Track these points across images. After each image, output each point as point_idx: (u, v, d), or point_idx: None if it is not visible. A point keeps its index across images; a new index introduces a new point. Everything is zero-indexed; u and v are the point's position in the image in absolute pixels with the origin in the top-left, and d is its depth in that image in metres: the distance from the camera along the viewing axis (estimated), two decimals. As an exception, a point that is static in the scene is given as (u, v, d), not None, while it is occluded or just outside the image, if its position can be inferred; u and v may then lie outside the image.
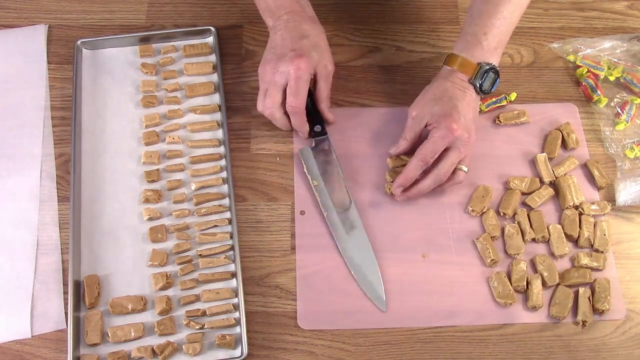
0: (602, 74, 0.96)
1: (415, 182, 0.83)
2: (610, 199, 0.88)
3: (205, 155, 0.89)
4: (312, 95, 0.91)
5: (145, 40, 0.96)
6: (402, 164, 0.87)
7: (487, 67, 0.83)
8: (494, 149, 0.91)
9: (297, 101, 0.83)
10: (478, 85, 0.83)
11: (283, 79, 0.82)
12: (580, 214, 0.86)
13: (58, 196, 0.86)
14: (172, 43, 0.97)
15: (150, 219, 0.85)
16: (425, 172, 0.83)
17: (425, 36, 1.00)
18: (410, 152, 0.84)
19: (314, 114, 0.90)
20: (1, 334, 0.79)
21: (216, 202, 0.86)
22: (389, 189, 0.86)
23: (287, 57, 0.82)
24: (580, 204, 0.86)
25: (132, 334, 0.78)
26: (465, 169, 0.83)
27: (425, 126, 0.83)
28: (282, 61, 0.82)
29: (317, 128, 0.89)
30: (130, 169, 0.88)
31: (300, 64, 0.81)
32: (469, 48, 0.83)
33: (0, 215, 0.85)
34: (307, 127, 0.88)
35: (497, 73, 0.84)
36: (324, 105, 0.88)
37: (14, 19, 0.99)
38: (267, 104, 0.85)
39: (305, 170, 0.87)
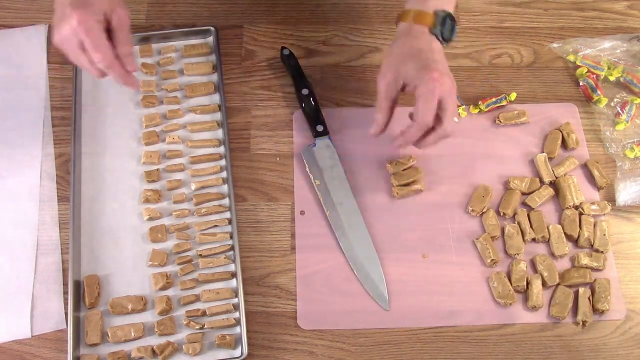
0: (602, 74, 0.96)
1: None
2: (610, 199, 0.88)
3: (205, 155, 0.89)
4: (313, 95, 0.91)
5: (145, 40, 0.96)
6: (402, 169, 0.87)
7: (444, 14, 0.80)
8: (494, 149, 0.91)
9: (100, 54, 0.73)
10: (439, 33, 0.80)
11: (75, 39, 0.73)
12: (580, 214, 0.86)
13: (58, 196, 0.87)
14: (172, 43, 0.97)
15: (150, 219, 0.85)
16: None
17: (425, 36, 0.99)
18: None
19: (315, 113, 0.90)
20: (1, 334, 0.79)
21: (216, 202, 0.86)
22: (397, 193, 0.86)
23: (66, 14, 0.72)
24: (580, 204, 0.86)
25: (132, 334, 0.78)
26: (456, 119, 0.79)
27: (403, 89, 0.80)
28: (64, 20, 0.72)
29: (319, 128, 0.89)
30: (130, 169, 0.88)
31: (82, 14, 0.72)
32: (421, 0, 0.81)
33: (0, 215, 0.85)
34: (133, 79, 0.78)
35: (454, 20, 0.81)
36: (122, 50, 0.76)
37: (14, 19, 0.99)
38: (81, 67, 0.76)
39: (307, 169, 0.87)
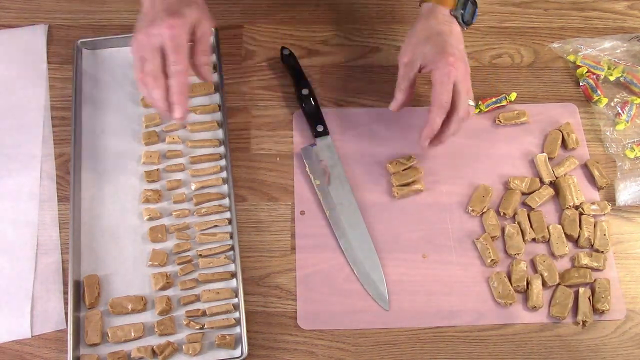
0: (602, 74, 0.96)
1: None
2: (610, 199, 0.88)
3: (205, 155, 0.89)
4: (313, 95, 0.91)
5: (145, 40, 0.96)
6: (402, 169, 0.87)
7: None
8: (494, 149, 0.91)
9: (179, 57, 0.74)
10: (460, 16, 0.82)
11: (158, 41, 0.74)
12: (581, 214, 0.86)
13: (58, 196, 0.86)
14: (172, 43, 0.97)
15: (150, 219, 0.85)
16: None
17: (425, 36, 0.99)
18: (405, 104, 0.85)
19: (315, 113, 0.90)
20: (1, 334, 0.79)
21: (216, 202, 0.86)
22: (397, 192, 0.86)
23: (158, 19, 0.74)
24: (580, 204, 0.86)
25: (132, 334, 0.78)
26: (472, 102, 0.82)
27: (420, 71, 0.82)
28: (154, 25, 0.74)
29: (319, 128, 0.89)
30: (130, 169, 0.88)
31: (174, 22, 0.74)
32: None
33: (0, 215, 0.85)
34: (185, 99, 0.76)
35: (475, 4, 0.84)
36: (200, 60, 0.79)
37: (14, 19, 0.99)
38: (147, 69, 0.75)
39: (307, 169, 0.87)
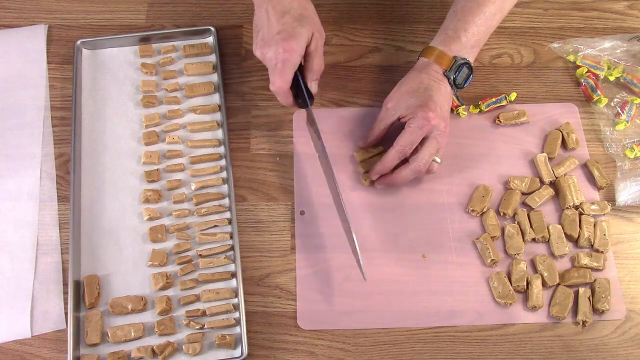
0: (602, 74, 0.96)
1: (395, 168, 0.84)
2: (610, 199, 0.88)
3: (205, 155, 0.89)
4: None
5: (145, 40, 0.96)
6: (369, 156, 0.88)
7: (462, 62, 0.84)
8: (494, 149, 0.91)
9: (280, 82, 0.79)
10: (452, 78, 0.84)
11: (272, 63, 0.79)
12: (580, 214, 0.86)
13: (58, 196, 0.87)
14: (172, 43, 0.97)
15: (150, 219, 0.85)
16: (403, 161, 0.83)
17: (425, 36, 0.99)
18: (377, 143, 0.88)
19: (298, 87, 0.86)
20: (1, 334, 0.79)
21: (216, 202, 0.86)
22: (365, 180, 0.87)
23: (272, 41, 0.78)
24: (580, 204, 0.86)
25: (132, 334, 0.78)
26: (439, 160, 0.84)
27: (399, 119, 0.83)
28: (269, 46, 0.79)
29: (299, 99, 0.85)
30: (130, 169, 0.88)
31: (287, 47, 0.77)
32: (448, 42, 0.84)
33: (0, 215, 0.85)
34: (290, 101, 0.83)
35: (470, 69, 0.85)
36: (312, 77, 0.83)
37: (14, 19, 0.99)
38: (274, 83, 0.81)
39: (311, 131, 0.86)
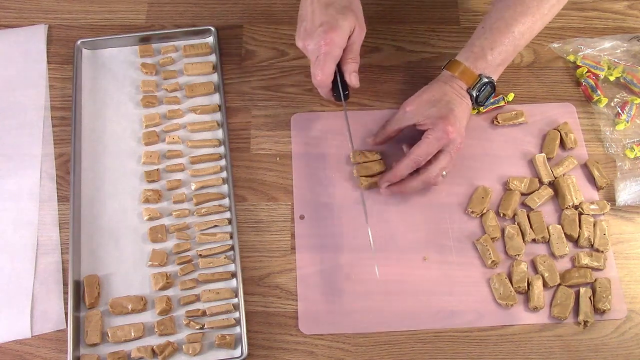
0: (602, 74, 0.96)
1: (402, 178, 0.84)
2: (610, 199, 0.88)
3: (205, 155, 0.89)
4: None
5: (145, 40, 0.96)
6: (364, 161, 0.88)
7: (486, 80, 0.84)
8: (493, 149, 0.91)
9: (323, 76, 0.80)
10: (474, 95, 0.84)
11: (314, 55, 0.80)
12: (580, 214, 0.86)
13: (58, 196, 0.87)
14: (172, 43, 0.97)
15: (150, 219, 0.85)
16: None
17: (425, 36, 1.00)
18: (381, 144, 0.88)
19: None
20: (1, 334, 0.79)
21: (216, 202, 0.86)
22: (361, 183, 0.87)
23: (315, 33, 0.79)
24: (579, 203, 0.86)
25: (132, 334, 0.78)
26: (444, 173, 0.84)
27: (414, 125, 0.83)
28: (312, 38, 0.80)
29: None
30: (130, 169, 0.88)
31: (329, 39, 0.78)
32: (474, 59, 0.84)
33: (0, 215, 0.85)
34: (331, 94, 0.85)
35: (493, 88, 0.85)
36: (349, 68, 0.84)
37: (14, 19, 0.99)
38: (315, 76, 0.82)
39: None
